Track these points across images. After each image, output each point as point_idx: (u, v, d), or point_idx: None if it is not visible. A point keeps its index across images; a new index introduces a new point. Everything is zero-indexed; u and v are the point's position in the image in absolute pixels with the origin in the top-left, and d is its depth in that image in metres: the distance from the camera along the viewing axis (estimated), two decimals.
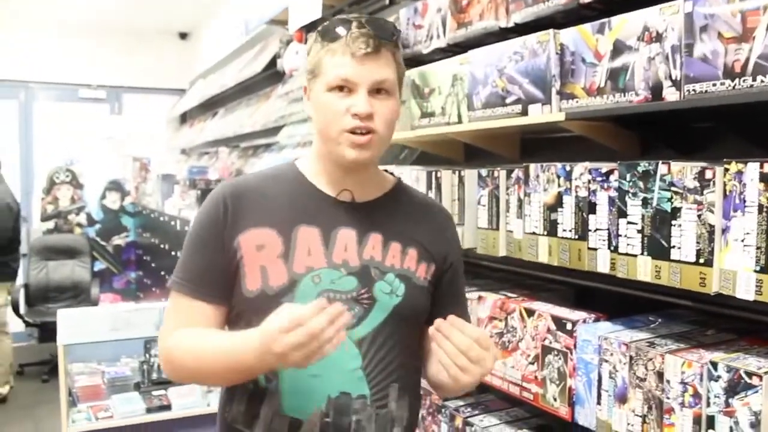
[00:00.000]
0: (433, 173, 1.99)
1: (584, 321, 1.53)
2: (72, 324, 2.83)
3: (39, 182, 6.85)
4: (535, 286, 1.97)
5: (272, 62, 4.28)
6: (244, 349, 1.14)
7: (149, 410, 2.80)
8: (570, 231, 1.53)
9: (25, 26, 6.83)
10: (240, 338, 1.17)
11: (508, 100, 1.80)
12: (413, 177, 2.11)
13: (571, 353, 1.52)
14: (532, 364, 1.62)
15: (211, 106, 6.45)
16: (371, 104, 1.22)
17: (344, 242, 1.29)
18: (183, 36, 7.63)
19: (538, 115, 1.70)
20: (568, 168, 1.53)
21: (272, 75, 4.37)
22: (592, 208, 1.47)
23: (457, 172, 1.92)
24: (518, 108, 1.77)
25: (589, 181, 1.47)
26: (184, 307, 1.30)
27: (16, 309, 5.71)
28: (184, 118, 7.63)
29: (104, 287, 6.46)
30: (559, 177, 1.55)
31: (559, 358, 1.55)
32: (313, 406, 1.24)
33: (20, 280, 5.82)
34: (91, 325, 2.84)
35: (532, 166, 1.62)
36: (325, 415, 1.24)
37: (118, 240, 6.84)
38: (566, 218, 1.53)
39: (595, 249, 1.47)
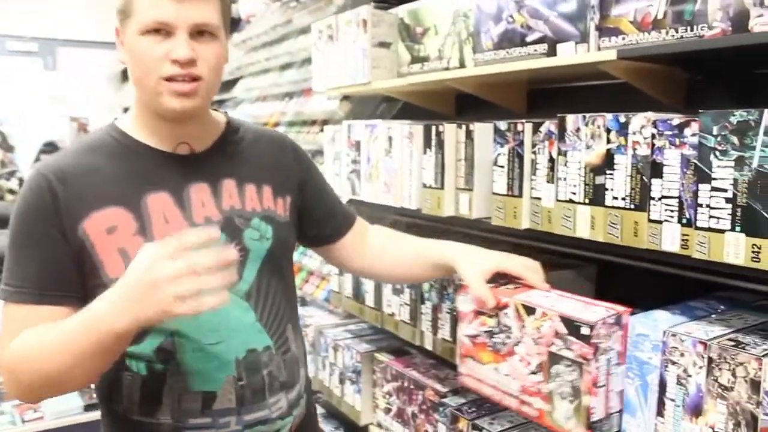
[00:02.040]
0: (433, 128, 1.65)
1: (604, 322, 1.18)
2: None
3: None
4: (552, 263, 1.67)
5: None
6: (108, 307, 1.00)
7: (88, 407, 2.36)
8: (623, 199, 1.21)
9: None
10: (99, 300, 1.02)
11: (529, 38, 1.47)
12: (404, 133, 1.76)
13: (589, 364, 1.18)
14: (535, 374, 1.26)
15: None
16: (193, 48, 1.12)
17: (199, 198, 1.22)
18: None
19: (570, 55, 1.38)
20: (622, 119, 1.20)
21: None
22: (656, 170, 1.15)
23: (463, 127, 1.58)
24: (543, 48, 1.44)
25: (653, 136, 1.15)
26: (26, 317, 1.13)
27: None
28: (126, 75, 7.07)
29: None
30: (609, 131, 1.23)
31: (573, 370, 1.19)
32: (223, 374, 1.20)
33: None
34: None
35: (571, 118, 1.30)
36: (237, 378, 1.21)
37: None
38: (618, 183, 1.21)
39: (659, 222, 1.15)
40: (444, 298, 1.64)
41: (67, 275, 1.15)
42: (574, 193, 1.30)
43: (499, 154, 1.46)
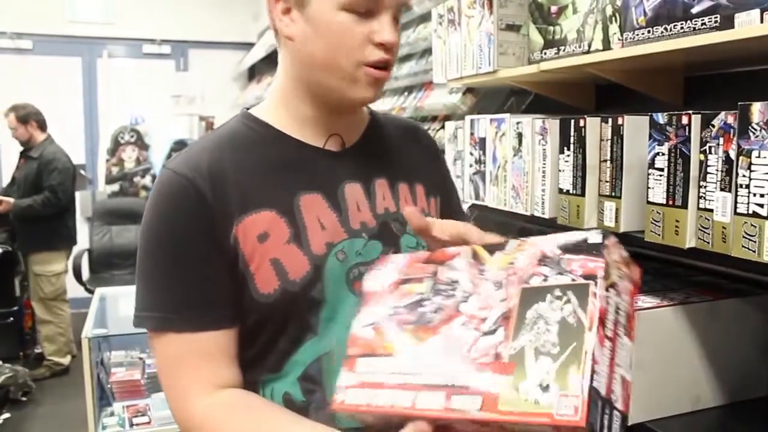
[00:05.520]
0: (572, 122, 1.39)
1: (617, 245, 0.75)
2: (109, 307, 2.40)
3: (104, 143, 6.57)
4: (713, 288, 1.37)
5: None
6: None
7: None
8: None
9: None
10: None
11: (696, 9, 1.19)
12: (537, 128, 1.51)
13: (596, 284, 0.71)
14: (491, 333, 0.79)
15: None
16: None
17: (354, 200, 1.05)
18: None
19: (753, 26, 1.08)
20: None
21: None
22: None
23: (609, 121, 1.31)
24: (713, 20, 1.15)
25: None
26: (187, 347, 0.97)
27: (78, 275, 5.46)
28: (252, 74, 7.17)
29: None
30: None
31: (567, 302, 0.73)
32: None
33: (84, 244, 5.55)
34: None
35: (757, 107, 1.00)
36: None
37: None
38: None
39: None
40: None
41: (227, 291, 0.99)
42: (761, 205, 1.00)
43: (656, 154, 1.18)
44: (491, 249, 0.83)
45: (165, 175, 0.99)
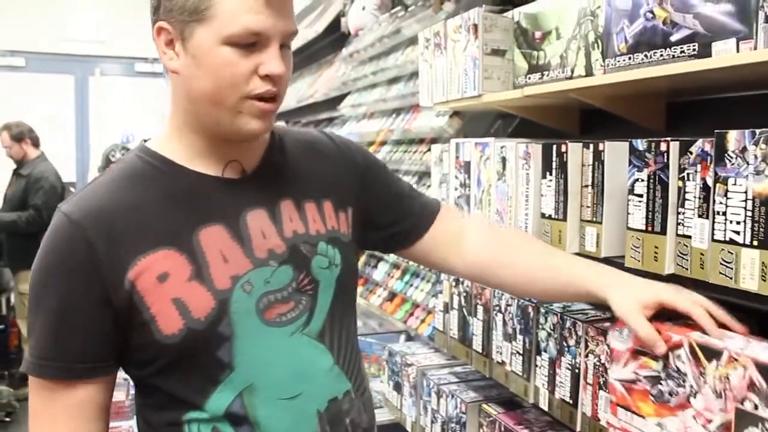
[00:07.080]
0: (554, 147, 1.40)
1: None
2: None
3: (95, 161, 6.56)
4: None
5: (336, 24, 3.72)
6: None
7: None
8: None
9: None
10: None
11: (674, 37, 1.20)
12: (520, 153, 1.52)
13: None
14: None
15: None
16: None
17: (259, 228, 1.03)
18: None
19: (730, 55, 1.09)
20: None
21: (336, 40, 3.81)
22: None
23: (591, 147, 1.32)
24: (692, 48, 1.16)
25: None
26: (64, 397, 0.98)
27: None
28: None
29: None
30: None
31: None
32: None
33: None
34: None
35: (734, 135, 1.01)
36: None
37: None
38: None
39: None
40: (564, 351, 1.37)
41: (112, 340, 0.99)
42: (738, 233, 1.01)
43: (636, 180, 1.19)
44: (708, 354, 0.94)
45: (58, 220, 0.98)
